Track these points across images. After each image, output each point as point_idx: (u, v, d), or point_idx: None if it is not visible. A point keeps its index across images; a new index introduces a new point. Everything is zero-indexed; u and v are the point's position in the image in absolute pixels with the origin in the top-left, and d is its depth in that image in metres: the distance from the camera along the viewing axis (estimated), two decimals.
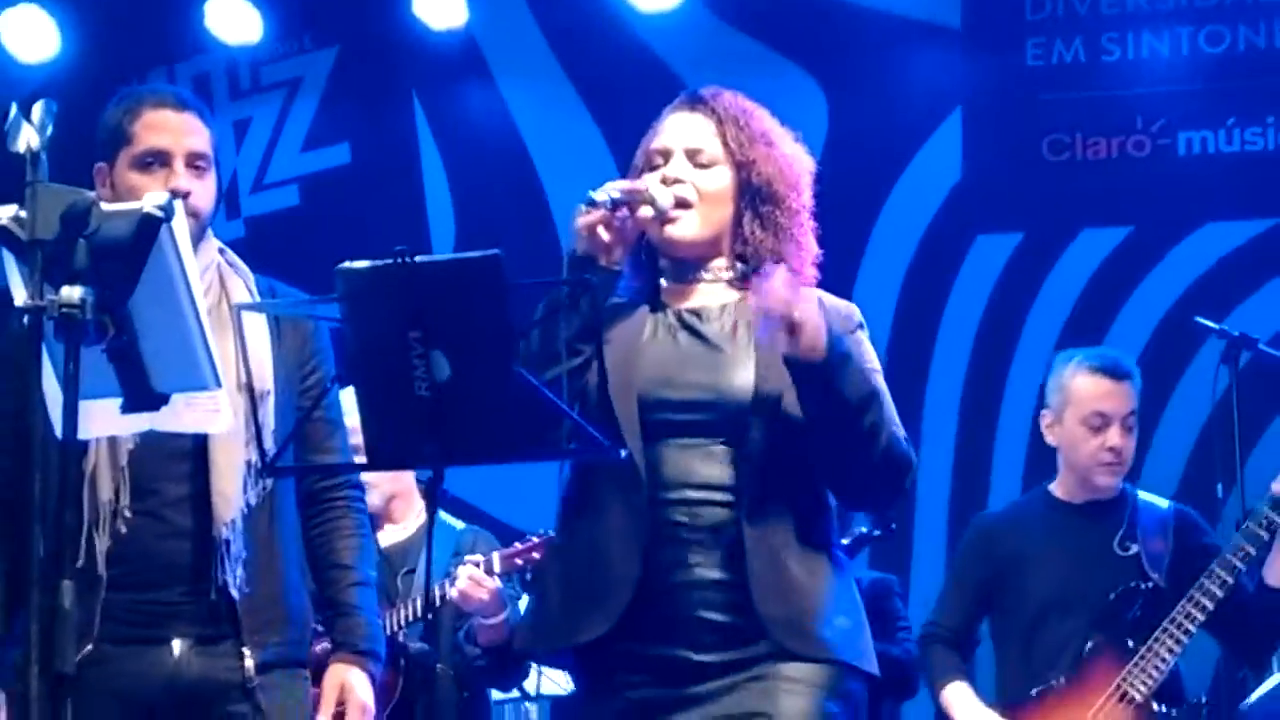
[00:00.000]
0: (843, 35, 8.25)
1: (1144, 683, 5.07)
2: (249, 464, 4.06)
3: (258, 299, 4.19)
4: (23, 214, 2.99)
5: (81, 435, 3.05)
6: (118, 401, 3.25)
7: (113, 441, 4.00)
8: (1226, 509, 5.96)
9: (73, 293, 2.95)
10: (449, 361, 3.37)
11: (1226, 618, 5.16)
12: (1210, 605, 5.04)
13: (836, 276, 4.04)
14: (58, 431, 3.03)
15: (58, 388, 3.04)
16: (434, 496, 3.62)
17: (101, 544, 3.98)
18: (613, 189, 3.68)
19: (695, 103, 3.88)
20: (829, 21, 8.28)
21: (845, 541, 5.31)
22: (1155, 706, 5.11)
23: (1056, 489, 5.61)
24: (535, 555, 5.59)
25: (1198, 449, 7.36)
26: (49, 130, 3.03)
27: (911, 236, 8.27)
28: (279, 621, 4.15)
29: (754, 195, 3.80)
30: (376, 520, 6.06)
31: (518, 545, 5.65)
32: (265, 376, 4.07)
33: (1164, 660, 5.07)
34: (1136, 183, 7.96)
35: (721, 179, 3.80)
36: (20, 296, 3.05)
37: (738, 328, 3.77)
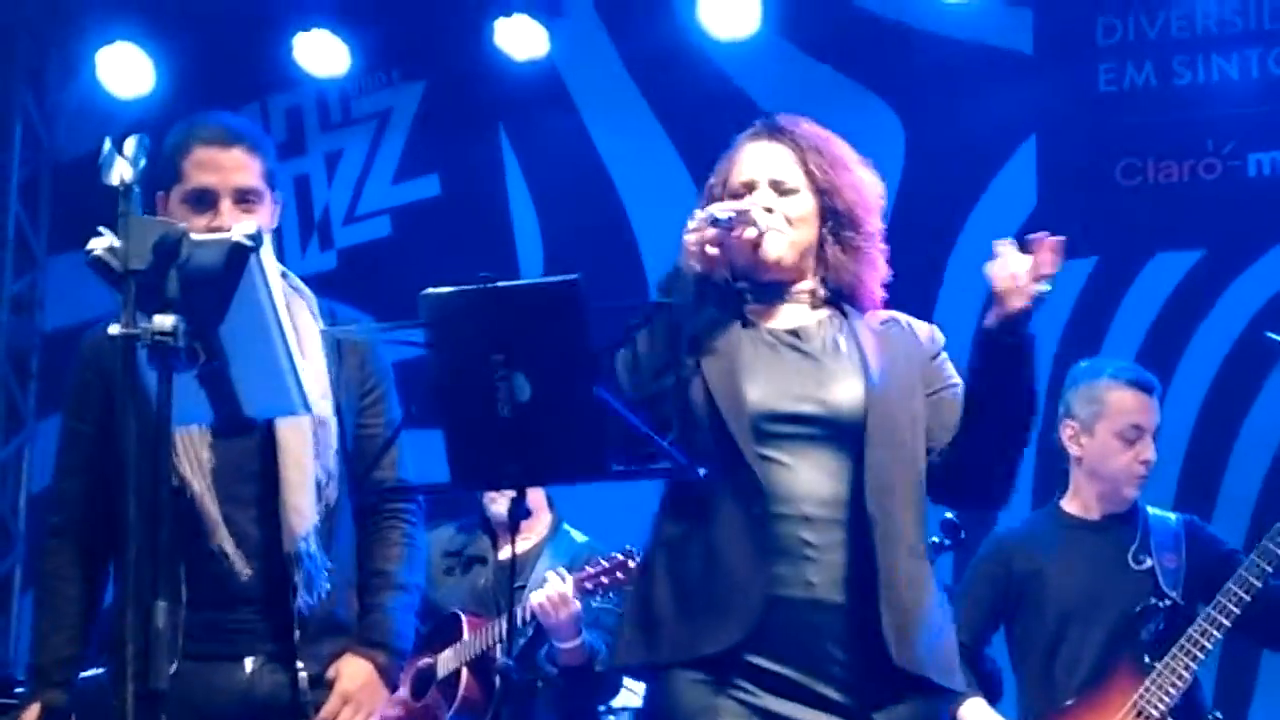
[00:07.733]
0: (918, 62, 8.25)
1: (1161, 700, 5.03)
2: (318, 482, 4.12)
3: (320, 322, 4.23)
4: (117, 245, 3.04)
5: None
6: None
7: (199, 463, 4.06)
8: None
9: (165, 320, 3.00)
10: (530, 383, 3.47)
11: (1254, 621, 5.13)
12: (1227, 623, 5.01)
13: (916, 303, 4.13)
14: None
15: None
16: (516, 515, 3.70)
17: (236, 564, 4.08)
18: (729, 209, 3.77)
19: (774, 132, 3.96)
20: (904, 48, 8.28)
21: None
22: None
23: (1070, 504, 5.53)
24: (619, 575, 5.61)
25: (1273, 470, 7.33)
26: (141, 164, 3.09)
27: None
28: (331, 634, 4.20)
29: (836, 220, 3.90)
30: (500, 532, 6.11)
31: (589, 569, 5.68)
32: (328, 399, 4.11)
33: (1181, 677, 5.04)
34: (1208, 206, 7.91)
35: (806, 205, 3.89)
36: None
37: (838, 343, 3.85)
